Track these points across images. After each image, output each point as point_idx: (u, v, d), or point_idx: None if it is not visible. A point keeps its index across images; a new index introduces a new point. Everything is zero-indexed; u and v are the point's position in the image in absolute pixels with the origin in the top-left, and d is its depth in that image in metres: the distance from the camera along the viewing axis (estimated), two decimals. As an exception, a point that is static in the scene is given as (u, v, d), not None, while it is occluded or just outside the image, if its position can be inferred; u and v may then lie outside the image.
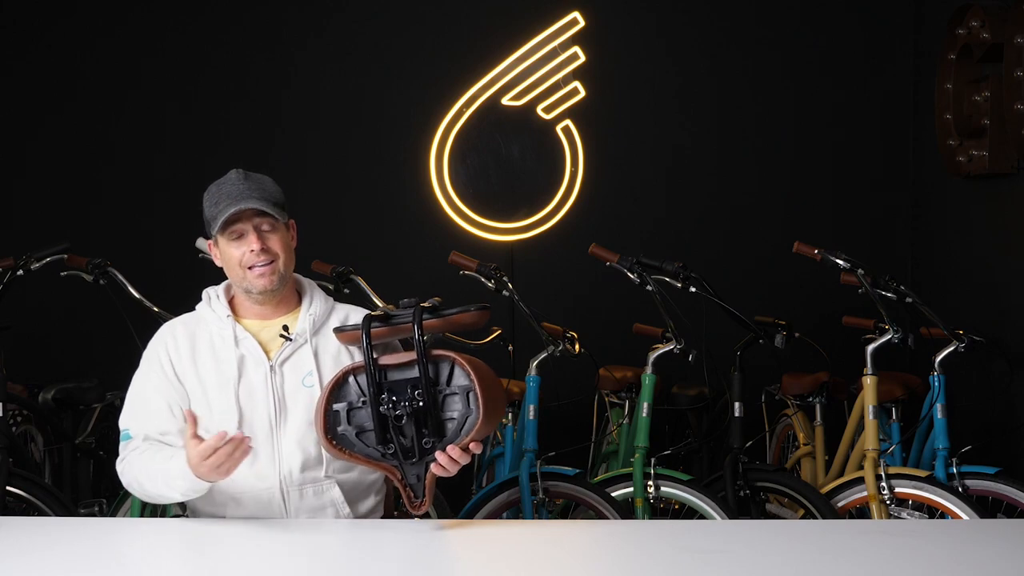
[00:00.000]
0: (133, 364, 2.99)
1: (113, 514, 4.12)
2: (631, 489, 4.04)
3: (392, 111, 5.82)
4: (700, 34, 5.90)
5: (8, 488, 3.84)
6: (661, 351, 4.11)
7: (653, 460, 4.04)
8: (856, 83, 5.88)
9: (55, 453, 4.75)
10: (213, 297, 3.00)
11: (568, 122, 5.80)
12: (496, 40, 5.75)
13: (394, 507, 3.15)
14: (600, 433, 4.99)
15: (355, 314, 3.00)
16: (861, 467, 4.03)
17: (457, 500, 4.40)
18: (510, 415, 4.56)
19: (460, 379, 2.76)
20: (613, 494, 4.02)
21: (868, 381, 4.07)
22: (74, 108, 5.77)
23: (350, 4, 5.86)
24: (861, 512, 4.07)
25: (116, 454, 2.94)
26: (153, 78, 5.77)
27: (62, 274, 4.14)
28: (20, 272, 4.02)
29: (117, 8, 5.77)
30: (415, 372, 2.76)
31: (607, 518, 3.90)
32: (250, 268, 2.90)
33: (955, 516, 3.86)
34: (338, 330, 2.93)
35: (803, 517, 4.05)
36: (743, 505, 3.97)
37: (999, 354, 4.63)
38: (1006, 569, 2.46)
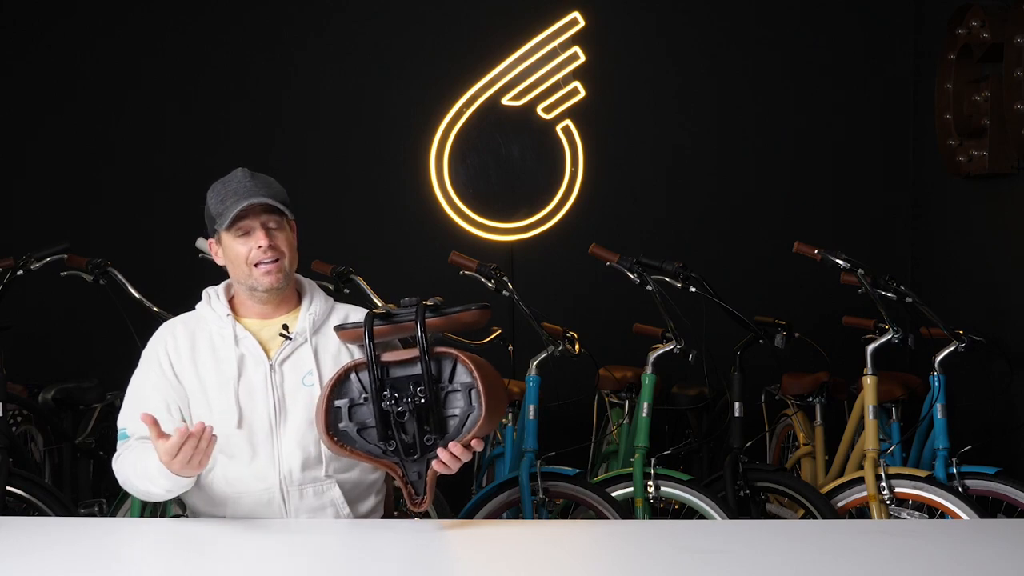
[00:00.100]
0: (133, 364, 3.00)
1: (113, 514, 4.12)
2: (631, 489, 4.04)
3: (392, 111, 5.82)
4: (700, 34, 5.90)
5: (8, 488, 3.84)
6: (661, 351, 4.11)
7: (653, 460, 4.04)
8: (856, 83, 5.88)
9: (55, 453, 4.75)
10: (213, 296, 3.00)
11: (568, 122, 5.80)
12: (496, 40, 5.75)
13: (394, 507, 3.15)
14: (600, 433, 4.99)
15: (355, 314, 3.00)
16: (861, 467, 4.03)
17: (457, 500, 4.40)
18: (510, 415, 4.56)
19: (462, 376, 2.77)
20: (613, 494, 4.02)
21: (868, 381, 4.07)
22: (74, 108, 5.77)
23: (350, 4, 5.86)
24: (861, 512, 4.07)
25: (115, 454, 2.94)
26: (153, 78, 5.77)
27: (62, 274, 4.14)
28: (20, 272, 4.02)
29: (117, 8, 5.77)
30: (417, 369, 2.76)
31: (607, 518, 3.90)
32: (256, 265, 2.91)
33: (955, 516, 3.85)
34: (339, 328, 2.93)
35: (803, 517, 4.05)
36: (743, 505, 3.97)
37: (999, 354, 4.63)
38: (1006, 569, 2.46)
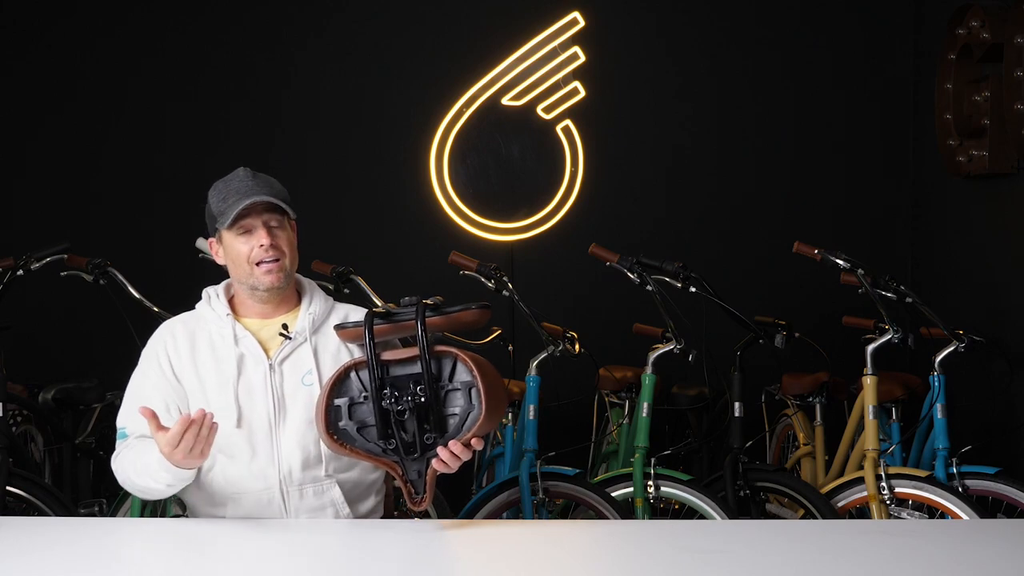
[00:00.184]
0: (133, 364, 3.00)
1: (113, 514, 4.12)
2: (631, 489, 4.04)
3: (392, 111, 5.82)
4: (700, 34, 5.90)
5: (8, 488, 3.84)
6: (661, 351, 4.11)
7: (653, 460, 4.04)
8: (856, 83, 5.88)
9: (55, 453, 4.75)
10: (213, 296, 3.00)
11: (568, 122, 5.80)
12: (496, 40, 5.75)
13: (394, 507, 3.15)
14: (600, 433, 4.99)
15: (355, 313, 3.00)
16: (861, 467, 4.03)
17: (457, 500, 4.40)
18: (510, 415, 4.56)
19: (462, 375, 2.77)
20: (613, 494, 4.02)
21: (868, 381, 4.07)
22: (74, 108, 5.77)
23: (350, 4, 5.86)
24: (861, 512, 4.07)
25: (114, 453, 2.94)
26: (153, 78, 5.77)
27: (62, 274, 4.14)
28: (20, 272, 4.02)
29: (117, 8, 5.77)
30: (417, 368, 2.76)
31: (607, 518, 3.90)
32: (258, 264, 2.91)
33: (955, 516, 3.85)
34: (339, 327, 2.93)
35: (803, 517, 4.04)
36: (743, 505, 3.97)
37: (999, 354, 4.63)
38: (1006, 569, 2.46)
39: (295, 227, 3.00)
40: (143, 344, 3.00)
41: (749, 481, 4.00)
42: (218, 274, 3.04)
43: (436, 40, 5.82)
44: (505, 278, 4.14)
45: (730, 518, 3.88)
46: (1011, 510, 4.02)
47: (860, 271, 4.11)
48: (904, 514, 3.98)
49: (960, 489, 3.92)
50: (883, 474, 3.95)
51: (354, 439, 2.78)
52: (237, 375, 2.90)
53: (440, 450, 2.72)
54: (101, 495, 4.63)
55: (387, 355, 2.80)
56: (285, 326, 2.94)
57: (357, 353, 2.93)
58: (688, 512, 4.07)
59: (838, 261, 4.13)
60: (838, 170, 5.91)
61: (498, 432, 4.76)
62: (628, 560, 2.61)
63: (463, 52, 5.78)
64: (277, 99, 5.83)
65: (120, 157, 5.78)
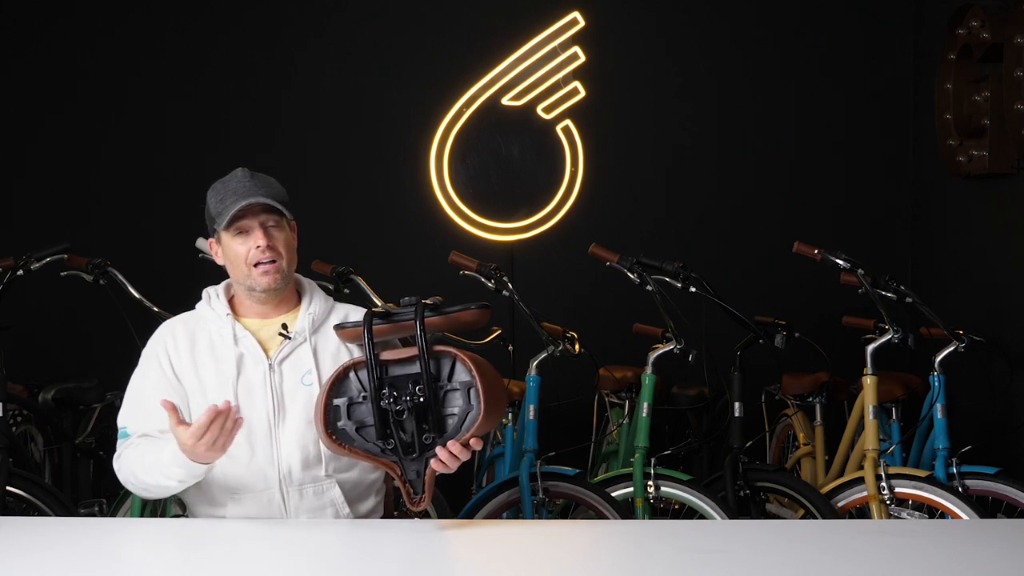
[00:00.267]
0: (133, 364, 3.00)
1: (113, 514, 4.12)
2: (631, 489, 4.03)
3: (392, 111, 5.82)
4: (700, 34, 5.90)
5: (8, 488, 3.84)
6: (661, 351, 4.11)
7: (653, 460, 4.04)
8: (856, 83, 5.88)
9: (55, 453, 4.75)
10: (213, 296, 3.00)
11: (568, 122, 5.80)
12: (496, 40, 5.75)
13: (394, 507, 3.15)
14: (600, 433, 4.99)
15: (355, 313, 3.00)
16: (861, 467, 4.03)
17: (457, 500, 4.40)
18: (510, 415, 4.56)
19: (461, 375, 2.76)
20: (613, 494, 4.02)
21: (868, 381, 4.07)
22: (74, 108, 5.77)
23: (350, 4, 5.86)
24: (861, 512, 4.07)
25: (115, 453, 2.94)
26: (153, 78, 5.77)
27: (62, 274, 4.14)
28: (20, 272, 4.02)
29: (117, 8, 5.77)
30: (416, 368, 2.76)
31: (607, 518, 3.90)
32: (255, 265, 2.91)
33: (955, 516, 3.85)
34: (338, 327, 2.93)
35: (803, 517, 4.04)
36: (743, 505, 3.97)
37: (999, 354, 4.63)
38: (1006, 569, 2.46)
39: (295, 227, 3.00)
40: (143, 344, 3.00)
41: (749, 481, 4.00)
42: (218, 274, 3.04)
43: (436, 40, 5.82)
44: (505, 278, 4.14)
45: (730, 518, 3.88)
46: (1011, 510, 4.02)
47: (860, 271, 4.11)
48: (904, 514, 3.98)
49: (960, 489, 3.91)
50: (883, 474, 3.95)
51: (353, 439, 2.78)
52: (236, 375, 2.90)
53: (439, 450, 2.72)
54: (101, 495, 4.63)
55: (386, 355, 2.80)
56: (285, 326, 2.94)
57: (357, 353, 2.93)
58: (688, 512, 4.07)
59: (838, 261, 4.13)
60: (838, 170, 5.91)
61: (498, 432, 4.76)
62: (628, 560, 2.61)
63: (463, 52, 5.78)
64: (277, 99, 5.83)
65: (120, 157, 5.78)
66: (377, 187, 5.83)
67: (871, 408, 4.05)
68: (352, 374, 2.80)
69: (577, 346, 4.16)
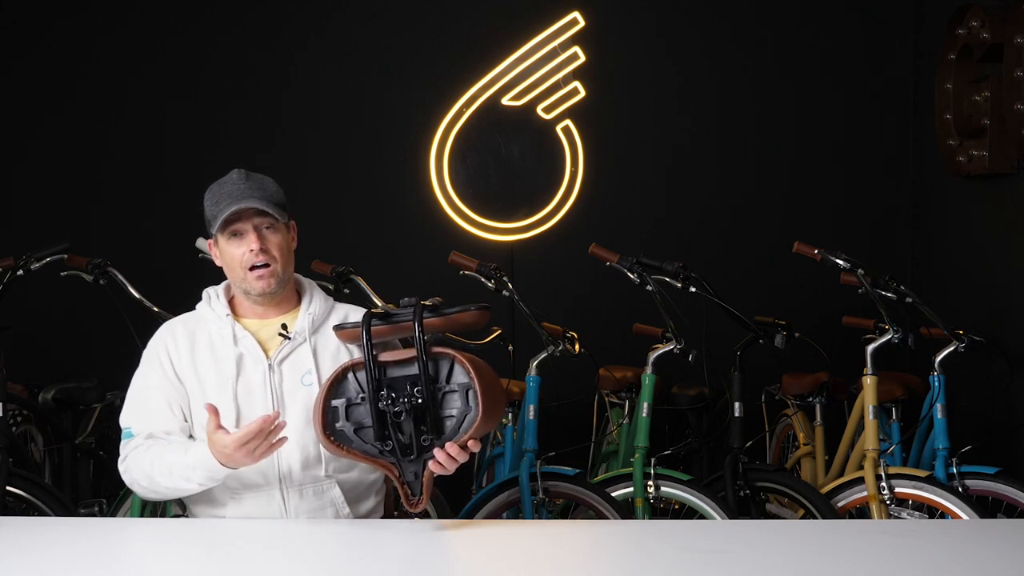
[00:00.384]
0: (133, 364, 3.00)
1: (113, 514, 4.12)
2: (631, 489, 4.03)
3: (392, 111, 5.82)
4: (700, 34, 5.90)
5: (8, 488, 3.84)
6: (661, 351, 4.11)
7: (653, 460, 4.04)
8: (856, 83, 5.88)
9: (55, 453, 4.75)
10: (213, 296, 3.00)
11: (568, 122, 5.80)
12: (496, 40, 5.75)
13: (394, 507, 3.15)
14: (600, 433, 4.99)
15: (355, 313, 2.99)
16: (861, 467, 4.03)
17: (457, 500, 4.40)
18: (510, 415, 4.56)
19: (460, 377, 2.76)
20: (613, 494, 4.02)
21: (868, 381, 4.07)
22: (74, 108, 5.77)
23: (350, 4, 5.86)
24: (861, 512, 4.07)
25: (117, 454, 2.93)
26: (153, 78, 5.77)
27: (62, 274, 4.14)
28: (20, 272, 4.02)
29: (117, 8, 5.77)
30: (414, 369, 2.76)
31: (607, 518, 3.90)
32: (250, 269, 2.91)
33: (955, 516, 3.85)
34: (338, 328, 2.93)
35: (803, 517, 4.04)
36: (743, 505, 3.97)
37: (999, 354, 4.63)
38: (1006, 569, 2.46)
39: (294, 227, 2.99)
40: (143, 344, 3.00)
41: (749, 481, 4.00)
42: (218, 274, 3.04)
43: (436, 40, 5.82)
44: (505, 278, 4.14)
45: (730, 518, 3.88)
46: (1011, 510, 4.02)
47: (860, 271, 4.11)
48: (904, 514, 3.98)
49: (960, 489, 3.91)
50: (883, 474, 3.95)
51: (351, 440, 2.77)
52: (236, 375, 2.90)
53: (437, 452, 2.72)
54: (101, 495, 4.63)
55: (385, 356, 2.80)
56: (284, 326, 2.94)
57: (356, 353, 2.93)
58: (688, 512, 4.07)
59: (838, 261, 4.13)
60: (838, 170, 5.91)
61: (498, 432, 4.76)
62: (628, 560, 2.61)
63: (463, 52, 5.78)
64: (277, 99, 5.83)
65: (120, 157, 5.78)
66: (377, 187, 5.83)
67: (871, 408, 4.05)
68: (351, 375, 2.80)
69: (577, 346, 4.16)
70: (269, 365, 2.92)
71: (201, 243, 3.73)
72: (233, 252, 2.91)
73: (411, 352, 2.77)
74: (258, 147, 5.66)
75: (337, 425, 2.78)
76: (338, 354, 2.95)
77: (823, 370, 4.77)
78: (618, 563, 2.60)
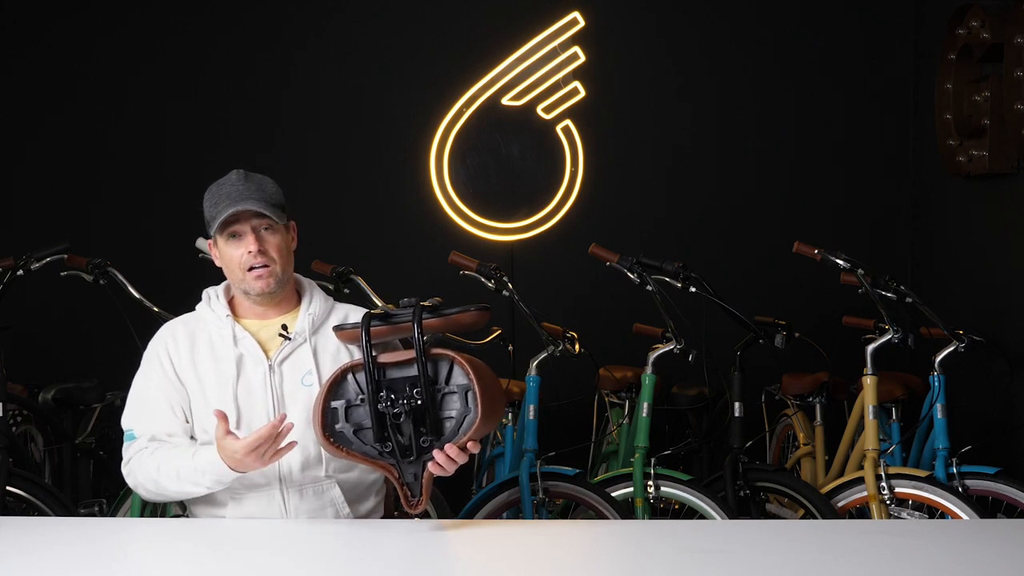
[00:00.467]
0: (133, 364, 2.99)
1: (113, 514, 4.12)
2: (631, 489, 4.03)
3: (392, 111, 5.82)
4: (700, 34, 5.90)
5: (8, 488, 3.84)
6: (661, 351, 4.11)
7: (653, 460, 4.04)
8: (856, 83, 5.88)
9: (55, 453, 4.75)
10: (213, 297, 3.00)
11: (568, 122, 5.80)
12: (496, 40, 5.75)
13: (394, 507, 3.15)
14: (600, 433, 4.99)
15: (355, 313, 2.99)
16: (861, 467, 4.03)
17: (457, 500, 4.40)
18: (510, 415, 4.56)
19: (459, 378, 2.76)
20: (613, 494, 4.02)
21: (868, 381, 4.07)
22: (74, 108, 5.77)
23: (350, 4, 5.86)
24: (861, 512, 4.07)
25: (117, 454, 2.93)
26: (153, 78, 5.77)
27: (62, 274, 4.14)
28: (20, 272, 4.02)
29: (117, 8, 5.77)
30: (414, 370, 2.76)
31: (607, 518, 3.90)
32: (249, 270, 2.91)
33: (955, 516, 3.85)
34: (338, 328, 2.93)
35: (803, 517, 4.04)
36: (743, 505, 3.97)
37: (999, 354, 4.63)
38: (1006, 569, 2.46)
39: (294, 228, 2.99)
40: (143, 344, 3.00)
41: (749, 481, 4.00)
42: (218, 274, 3.04)
43: (436, 40, 5.82)
44: (505, 278, 4.14)
45: (730, 518, 3.88)
46: (1011, 510, 4.02)
47: (860, 271, 4.11)
48: (904, 514, 3.98)
49: (960, 489, 3.91)
50: (883, 474, 3.95)
51: (350, 441, 2.77)
52: (236, 376, 2.90)
53: (436, 453, 2.72)
54: (101, 495, 4.63)
55: (384, 357, 2.80)
56: (284, 327, 2.94)
57: (357, 354, 2.92)
58: (688, 512, 4.07)
59: (838, 261, 4.13)
60: (838, 170, 5.91)
61: (498, 432, 4.76)
62: (628, 560, 2.61)
63: (463, 52, 5.78)
64: (277, 99, 5.83)
65: (120, 157, 5.78)
66: (377, 187, 5.83)
67: (871, 408, 4.05)
68: (350, 376, 2.80)
69: (577, 346, 4.16)
70: (269, 366, 2.92)
71: (201, 243, 3.73)
72: (232, 253, 2.91)
73: (410, 353, 2.77)
74: (258, 147, 5.66)
75: (336, 426, 2.78)
76: (338, 354, 2.95)
77: (823, 370, 4.77)
78: (618, 563, 2.60)
